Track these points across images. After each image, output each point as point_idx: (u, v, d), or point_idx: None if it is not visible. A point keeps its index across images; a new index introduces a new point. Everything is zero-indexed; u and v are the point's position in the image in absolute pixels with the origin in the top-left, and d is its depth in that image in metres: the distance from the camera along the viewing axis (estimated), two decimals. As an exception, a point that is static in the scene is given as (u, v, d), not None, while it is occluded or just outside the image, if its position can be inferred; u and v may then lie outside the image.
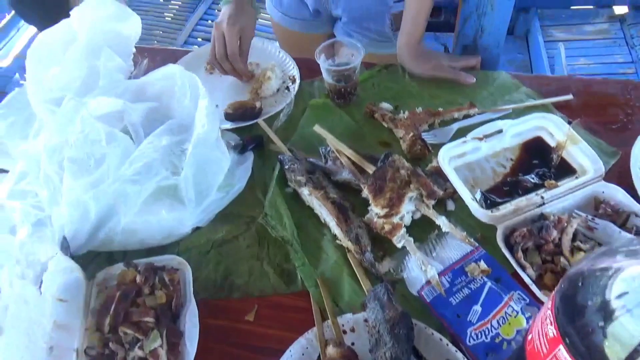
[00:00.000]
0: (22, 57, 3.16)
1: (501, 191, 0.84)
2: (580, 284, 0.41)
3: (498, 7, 1.02)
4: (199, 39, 3.17)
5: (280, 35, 1.47)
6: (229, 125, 1.00)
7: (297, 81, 1.07)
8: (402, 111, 0.99)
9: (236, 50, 1.04)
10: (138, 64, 1.13)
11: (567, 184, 0.81)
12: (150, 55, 1.17)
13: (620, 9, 2.81)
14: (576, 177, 0.83)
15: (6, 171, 0.94)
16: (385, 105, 1.02)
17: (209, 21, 3.27)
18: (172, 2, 3.42)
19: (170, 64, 0.95)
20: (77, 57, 0.98)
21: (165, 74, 0.96)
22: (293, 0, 1.32)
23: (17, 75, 2.99)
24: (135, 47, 1.09)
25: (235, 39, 1.03)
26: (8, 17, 3.05)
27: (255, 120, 0.99)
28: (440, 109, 0.98)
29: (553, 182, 0.82)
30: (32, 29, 3.15)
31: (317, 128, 0.93)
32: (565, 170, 0.86)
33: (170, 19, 3.32)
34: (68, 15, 1.91)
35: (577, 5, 2.88)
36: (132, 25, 1.08)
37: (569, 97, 0.98)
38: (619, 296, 0.39)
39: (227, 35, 1.03)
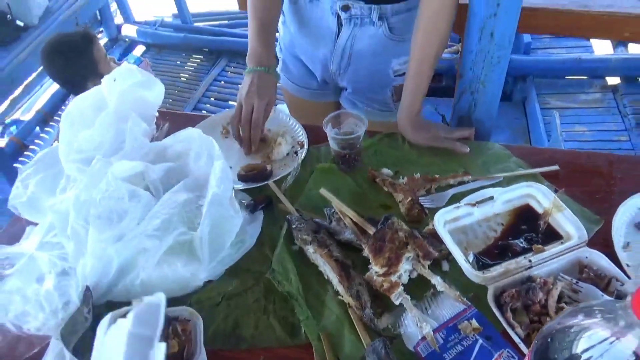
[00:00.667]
0: (43, 112, 3.32)
1: (492, 254, 0.91)
2: (550, 340, 0.47)
3: (489, 85, 1.12)
4: (212, 99, 3.35)
5: (289, 101, 1.59)
6: (241, 185, 1.08)
7: (306, 147, 1.16)
8: (401, 177, 1.07)
9: (262, 120, 1.14)
10: (160, 127, 1.23)
11: (553, 248, 0.88)
12: (171, 119, 1.27)
13: (612, 80, 2.97)
14: (562, 243, 0.90)
15: (35, 224, 1.02)
16: (386, 171, 1.10)
17: (222, 82, 3.46)
18: (188, 64, 3.63)
19: (190, 127, 1.04)
20: (106, 122, 1.08)
21: (184, 137, 1.06)
22: (302, 70, 1.44)
23: (37, 128, 3.14)
24: (158, 111, 1.20)
25: (262, 110, 1.14)
26: (34, 75, 3.24)
27: (266, 182, 1.08)
28: (437, 176, 1.06)
29: (540, 246, 0.89)
30: (54, 87, 3.33)
31: (323, 191, 1.01)
32: (552, 235, 0.92)
33: (185, 79, 3.52)
34: (94, 77, 2.05)
35: (571, 75, 3.05)
36: (156, 92, 1.19)
37: (556, 167, 1.06)
38: (583, 351, 0.45)
39: (256, 106, 1.13)
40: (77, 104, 1.14)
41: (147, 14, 4.11)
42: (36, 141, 3.01)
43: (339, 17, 1.22)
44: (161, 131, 1.23)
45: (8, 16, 2.43)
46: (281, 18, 1.39)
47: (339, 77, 1.37)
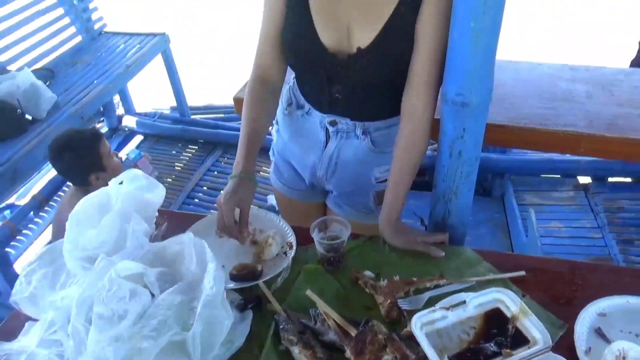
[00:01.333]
0: (39, 197, 3.39)
1: (465, 357, 0.97)
2: None
3: (460, 195, 1.24)
4: (205, 188, 3.47)
5: (280, 200, 1.71)
6: (233, 285, 1.15)
7: (294, 248, 1.25)
8: (382, 279, 1.15)
9: (231, 221, 1.21)
10: (159, 226, 1.32)
11: (520, 353, 0.95)
12: (169, 218, 1.36)
13: (583, 179, 3.15)
14: (529, 347, 0.96)
15: (34, 319, 1.07)
16: (368, 273, 1.18)
17: (215, 172, 3.61)
18: (184, 154, 3.79)
19: (184, 233, 1.12)
20: (110, 222, 1.16)
21: (179, 240, 1.14)
22: (292, 173, 1.57)
23: (31, 213, 3.20)
24: (157, 210, 1.29)
25: (229, 212, 1.21)
26: (35, 164, 3.36)
27: (256, 282, 1.15)
28: (415, 279, 1.14)
29: (509, 351, 0.95)
30: (50, 174, 3.44)
31: (309, 293, 1.08)
32: (520, 339, 0.99)
33: (180, 168, 3.67)
34: (97, 170, 2.15)
35: (545, 173, 3.23)
36: (158, 194, 1.29)
37: (522, 273, 1.15)
38: None
39: (223, 208, 1.21)
40: (83, 204, 1.23)
41: (147, 106, 4.35)
42: (29, 226, 3.06)
43: (327, 130, 1.38)
44: (160, 230, 1.32)
45: (18, 110, 2.60)
46: (275, 127, 1.55)
47: (325, 182, 1.49)
